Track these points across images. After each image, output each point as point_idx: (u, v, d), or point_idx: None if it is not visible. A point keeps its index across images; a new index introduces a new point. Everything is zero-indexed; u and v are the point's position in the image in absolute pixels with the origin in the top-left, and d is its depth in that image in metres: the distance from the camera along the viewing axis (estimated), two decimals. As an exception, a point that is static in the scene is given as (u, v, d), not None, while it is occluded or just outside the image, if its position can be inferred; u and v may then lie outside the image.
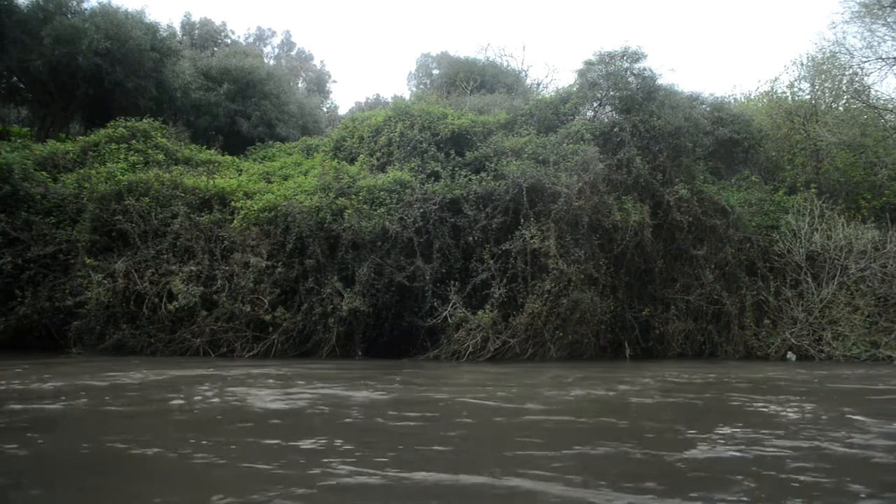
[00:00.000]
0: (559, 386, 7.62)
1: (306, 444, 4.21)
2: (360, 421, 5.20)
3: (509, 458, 3.98)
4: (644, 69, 13.72)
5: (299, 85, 35.76)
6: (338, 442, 4.25)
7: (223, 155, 15.48)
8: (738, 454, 4.13)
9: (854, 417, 5.56)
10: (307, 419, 5.26)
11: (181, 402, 5.85)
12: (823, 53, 17.42)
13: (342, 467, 3.61)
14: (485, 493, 3.23)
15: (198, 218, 11.47)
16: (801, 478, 3.57)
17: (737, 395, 7.05)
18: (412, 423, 5.13)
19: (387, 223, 11.24)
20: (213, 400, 5.93)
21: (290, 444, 4.20)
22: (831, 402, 6.67)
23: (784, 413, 5.80)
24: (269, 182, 13.20)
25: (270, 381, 7.44)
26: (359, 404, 5.98)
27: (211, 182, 12.31)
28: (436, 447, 4.24)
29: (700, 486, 3.44)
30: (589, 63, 14.21)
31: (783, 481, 3.53)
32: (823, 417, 5.63)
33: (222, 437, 4.45)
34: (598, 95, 14.30)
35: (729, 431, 4.85)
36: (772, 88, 19.19)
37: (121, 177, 11.85)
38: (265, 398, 6.05)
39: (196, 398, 5.98)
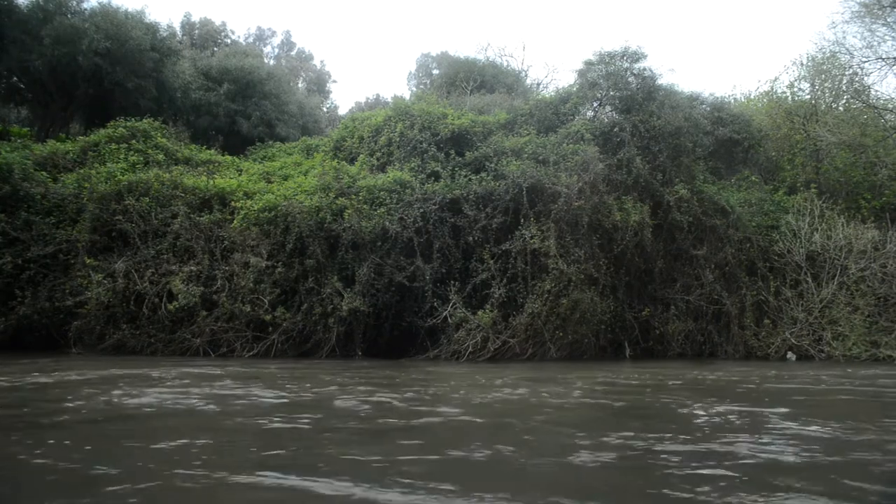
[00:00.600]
0: (488, 387, 7.40)
1: (166, 445, 4.11)
2: (239, 422, 5.02)
3: (368, 463, 3.79)
4: (644, 69, 13.73)
5: (299, 85, 35.75)
6: (199, 443, 4.17)
7: (223, 155, 15.49)
8: (623, 460, 3.93)
9: (776, 420, 5.34)
10: (187, 420, 5.09)
11: (76, 402, 5.64)
12: (823, 53, 17.45)
13: (184, 470, 3.51)
14: (318, 498, 3.11)
15: (198, 218, 11.47)
16: (679, 487, 3.33)
17: (668, 397, 6.78)
18: (290, 426, 4.91)
19: (387, 223, 11.24)
20: (108, 400, 5.76)
21: (151, 445, 4.11)
22: (763, 403, 6.40)
23: (704, 416, 5.53)
24: (269, 182, 13.20)
25: (195, 380, 7.24)
26: (252, 406, 5.75)
27: (211, 182, 12.31)
28: (295, 449, 4.09)
29: (560, 492, 3.29)
30: (589, 63, 14.22)
31: (655, 491, 3.31)
32: (737, 421, 5.35)
33: (85, 439, 4.33)
34: (598, 95, 14.31)
35: (630, 435, 4.60)
36: (772, 88, 19.23)
37: (121, 177, 11.85)
38: (164, 399, 5.88)
39: (96, 398, 5.80)
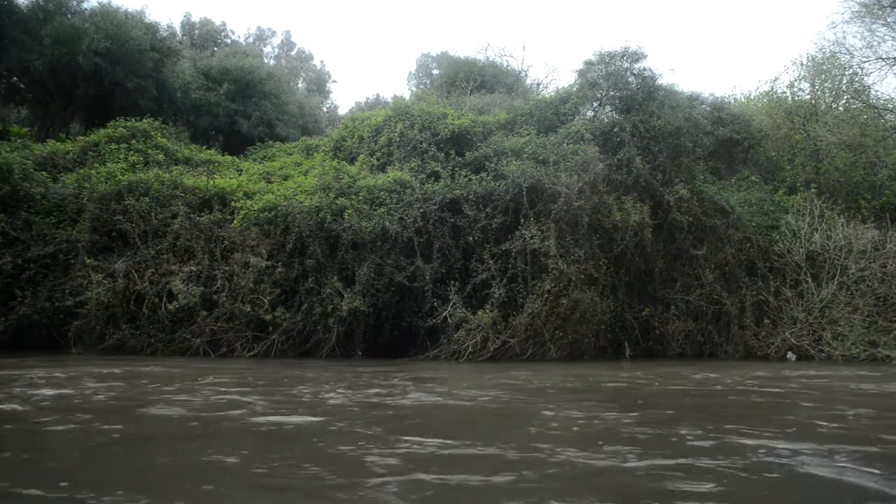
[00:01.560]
0: (366, 387, 7.11)
1: None
2: (16, 425, 4.85)
3: (97, 468, 3.61)
4: (644, 69, 13.73)
5: (299, 85, 35.76)
6: None
7: (223, 155, 15.49)
8: (401, 465, 3.67)
9: (633, 425, 5.01)
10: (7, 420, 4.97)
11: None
12: (823, 53, 17.45)
13: None
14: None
15: (198, 218, 11.47)
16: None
17: (550, 401, 6.33)
18: (62, 427, 4.68)
19: (387, 223, 11.25)
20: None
21: None
22: (638, 407, 6.08)
23: (553, 421, 5.17)
24: (269, 182, 13.20)
25: (62, 381, 6.96)
26: (59, 409, 5.46)
27: (211, 182, 12.31)
28: (30, 454, 3.99)
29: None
30: (589, 63, 14.22)
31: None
32: (580, 426, 4.98)
33: None
34: (598, 95, 14.31)
35: (438, 442, 4.30)
36: (772, 88, 19.22)
37: (121, 177, 11.85)
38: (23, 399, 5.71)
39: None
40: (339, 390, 6.87)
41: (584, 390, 7.54)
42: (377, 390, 6.90)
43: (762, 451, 4.13)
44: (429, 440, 4.36)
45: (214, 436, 4.55)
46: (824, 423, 5.22)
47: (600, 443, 4.32)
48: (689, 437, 4.55)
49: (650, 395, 7.20)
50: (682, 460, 3.89)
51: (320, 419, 5.18)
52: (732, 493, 3.31)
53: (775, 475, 3.65)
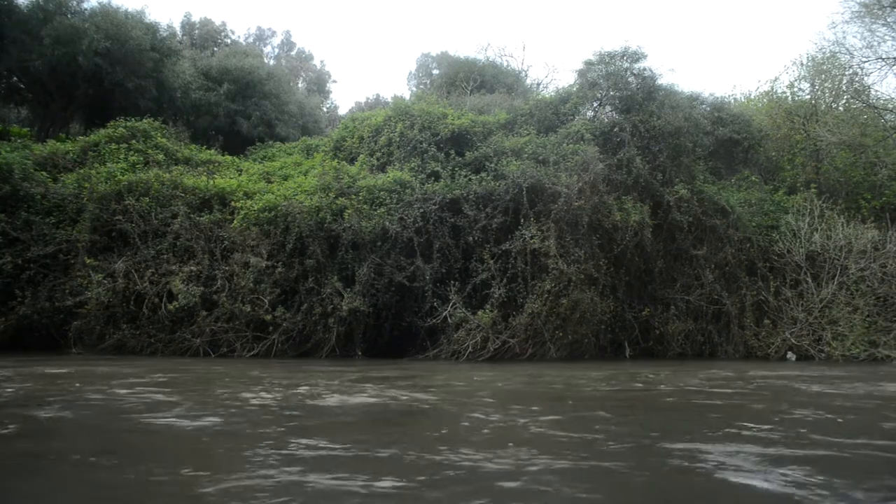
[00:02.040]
0: (292, 387, 6.97)
1: None
2: None
3: None
4: (644, 69, 13.73)
5: (299, 85, 35.75)
6: None
7: (223, 155, 15.49)
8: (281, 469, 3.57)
9: (548, 427, 4.88)
10: None
11: None
12: (823, 53, 17.45)
13: None
14: None
15: (198, 218, 11.47)
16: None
17: (475, 403, 6.16)
18: None
19: (387, 223, 11.25)
20: None
21: None
22: (567, 408, 5.89)
23: (473, 423, 5.04)
24: (269, 182, 13.21)
25: None
26: None
27: (211, 182, 12.32)
28: None
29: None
30: (589, 63, 14.22)
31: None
32: (490, 428, 4.86)
33: None
34: (598, 95, 14.30)
35: (331, 443, 4.19)
36: (772, 88, 19.22)
37: (121, 177, 11.85)
38: None
39: None
40: (273, 390, 6.66)
41: (528, 392, 7.31)
42: (311, 390, 6.69)
43: (681, 455, 3.98)
44: (324, 442, 4.24)
45: (95, 436, 4.39)
46: (764, 427, 4.99)
47: (510, 445, 4.16)
48: (608, 441, 4.39)
49: (590, 396, 6.92)
50: (588, 464, 3.77)
51: (227, 420, 5.00)
52: (615, 499, 3.17)
53: (685, 480, 3.49)
